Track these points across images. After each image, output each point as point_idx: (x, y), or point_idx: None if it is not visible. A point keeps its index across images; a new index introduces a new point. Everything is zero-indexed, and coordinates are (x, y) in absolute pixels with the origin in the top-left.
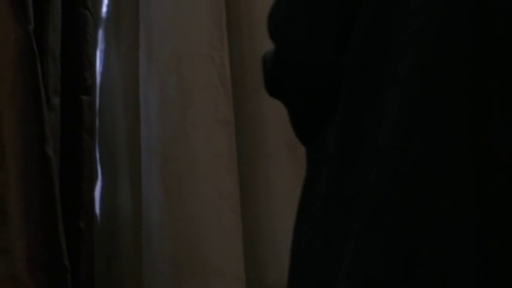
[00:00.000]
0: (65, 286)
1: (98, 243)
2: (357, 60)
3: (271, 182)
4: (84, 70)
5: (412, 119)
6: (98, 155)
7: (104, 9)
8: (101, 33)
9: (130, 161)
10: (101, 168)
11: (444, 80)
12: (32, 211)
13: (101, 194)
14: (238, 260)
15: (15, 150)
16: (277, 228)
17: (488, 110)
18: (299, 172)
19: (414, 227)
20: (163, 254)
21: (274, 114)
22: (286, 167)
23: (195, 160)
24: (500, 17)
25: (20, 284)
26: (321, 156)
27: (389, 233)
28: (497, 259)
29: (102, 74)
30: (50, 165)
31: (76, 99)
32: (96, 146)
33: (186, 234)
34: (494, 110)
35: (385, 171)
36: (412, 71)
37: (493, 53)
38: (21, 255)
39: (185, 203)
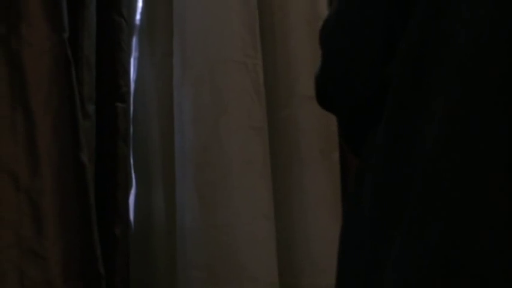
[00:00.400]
0: None
1: (133, 250)
2: (404, 69)
3: (305, 188)
4: (119, 77)
5: (455, 128)
6: (132, 162)
7: (138, 16)
8: (135, 41)
9: (164, 168)
10: (135, 175)
11: (491, 93)
12: (67, 218)
13: (135, 201)
14: (271, 266)
15: (50, 157)
16: (311, 233)
17: None
18: (332, 178)
19: (459, 235)
20: (198, 261)
21: (308, 121)
22: (319, 173)
23: (228, 167)
24: None
25: None
26: (366, 164)
27: (433, 242)
28: None
29: (136, 81)
30: (85, 173)
31: (111, 107)
32: (131, 153)
33: (220, 240)
34: None
35: (430, 180)
36: (459, 82)
37: None
38: (57, 262)
39: (219, 210)
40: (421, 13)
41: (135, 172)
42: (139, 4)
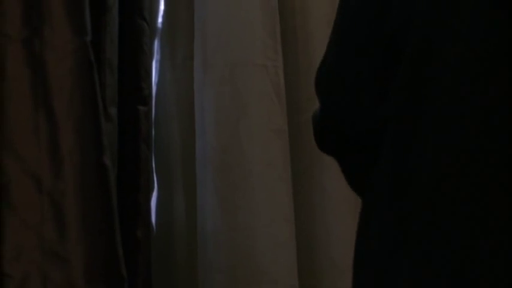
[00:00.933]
0: None
1: (154, 252)
2: (398, 109)
3: (326, 191)
4: (141, 80)
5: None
6: (153, 165)
7: (160, 19)
8: (156, 44)
9: (185, 171)
10: (157, 177)
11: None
12: (90, 220)
13: (157, 204)
14: (292, 268)
15: (73, 160)
16: (332, 236)
17: None
18: None
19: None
20: (218, 263)
21: None
22: (340, 176)
23: (249, 170)
24: None
25: None
26: (370, 201)
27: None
28: None
29: (158, 84)
30: (108, 175)
31: (133, 110)
32: (152, 155)
33: (240, 243)
34: None
35: (428, 214)
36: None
37: None
38: (79, 264)
39: (239, 213)
40: (409, 58)
41: (156, 174)
42: (161, 7)
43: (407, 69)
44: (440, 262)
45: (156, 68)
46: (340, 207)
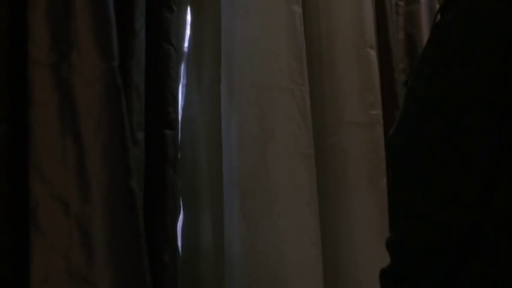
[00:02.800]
0: None
1: (181, 276)
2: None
3: (352, 214)
4: (168, 105)
5: None
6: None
7: (186, 44)
8: (183, 68)
9: (212, 194)
10: (183, 201)
11: None
12: (117, 244)
13: (183, 227)
14: None
15: (100, 184)
16: (358, 259)
17: None
18: (379, 204)
19: None
20: (245, 287)
21: (355, 147)
22: (366, 199)
23: (275, 193)
24: None
25: None
26: None
27: None
28: None
29: (184, 108)
30: (135, 199)
31: (160, 134)
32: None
33: (266, 267)
34: None
35: None
36: None
37: None
38: None
39: (266, 236)
40: None
41: (182, 198)
42: (188, 32)
43: None
44: None
45: (182, 92)
46: (366, 231)
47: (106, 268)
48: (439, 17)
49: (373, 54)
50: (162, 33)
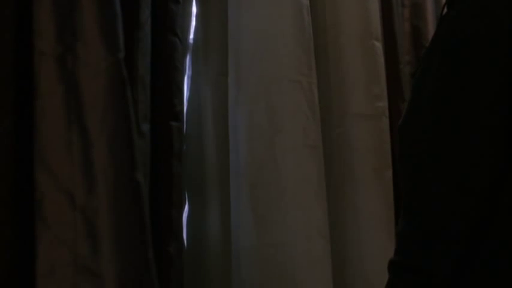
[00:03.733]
0: None
1: (187, 268)
2: None
3: (359, 206)
4: (174, 97)
5: None
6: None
7: (192, 35)
8: (188, 60)
9: (219, 187)
10: (189, 193)
11: None
12: (123, 236)
13: (188, 219)
14: (327, 285)
15: (106, 176)
16: (365, 252)
17: None
18: (386, 196)
19: None
20: (252, 280)
21: (361, 139)
22: (373, 192)
23: (283, 186)
24: None
25: None
26: None
27: None
28: None
29: (190, 100)
30: (140, 191)
31: (165, 126)
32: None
33: (275, 259)
34: None
35: None
36: None
37: None
38: (112, 280)
39: (274, 229)
40: None
41: (188, 191)
42: (193, 24)
43: None
44: None
45: (187, 84)
46: (373, 223)
47: (112, 260)
48: (445, 9)
49: (378, 46)
50: (168, 25)
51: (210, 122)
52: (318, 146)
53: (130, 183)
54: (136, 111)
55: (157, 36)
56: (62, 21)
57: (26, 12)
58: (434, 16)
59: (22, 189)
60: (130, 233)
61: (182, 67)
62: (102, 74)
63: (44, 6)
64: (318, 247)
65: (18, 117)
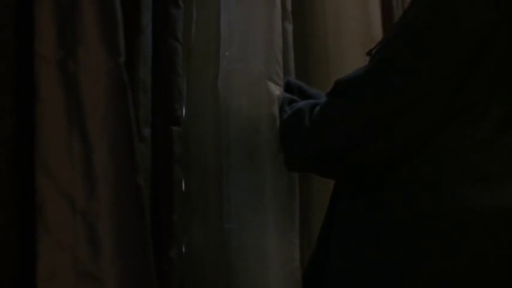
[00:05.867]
0: None
1: (186, 272)
2: None
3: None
4: (175, 101)
5: None
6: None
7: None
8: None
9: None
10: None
11: None
12: (124, 240)
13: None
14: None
15: (106, 180)
16: None
17: None
18: None
19: None
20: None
21: None
22: None
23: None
24: None
25: None
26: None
27: None
28: None
29: (187, 103)
30: (141, 196)
31: (166, 130)
32: None
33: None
34: None
35: None
36: None
37: None
38: (113, 284)
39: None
40: None
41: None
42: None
43: None
44: None
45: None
46: None
47: (113, 264)
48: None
49: None
50: (169, 30)
51: (206, 126)
52: None
53: (131, 187)
54: (137, 116)
55: (158, 40)
56: (63, 25)
57: (26, 15)
58: None
59: (23, 193)
60: (131, 237)
61: (183, 71)
62: (103, 78)
63: (45, 10)
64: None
65: (19, 121)
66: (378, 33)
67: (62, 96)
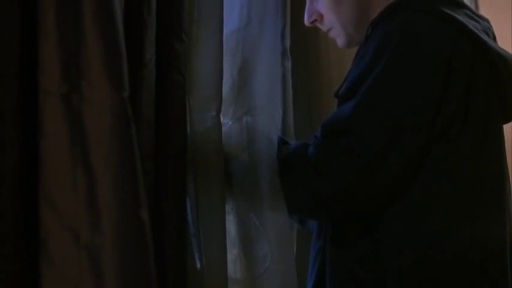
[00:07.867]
0: None
1: None
2: None
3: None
4: (177, 134)
5: None
6: None
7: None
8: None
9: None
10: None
11: None
12: (127, 274)
13: None
14: None
15: (110, 214)
16: None
17: None
18: None
19: None
20: None
21: None
22: None
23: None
24: None
25: None
26: None
27: None
28: None
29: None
30: (145, 229)
31: (169, 163)
32: None
33: None
34: None
35: None
36: None
37: None
38: None
39: None
40: None
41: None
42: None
43: None
44: None
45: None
46: None
47: None
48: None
49: None
50: (172, 64)
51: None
52: None
53: (135, 221)
54: (140, 149)
55: (162, 74)
56: (67, 58)
57: (31, 49)
58: None
59: (27, 226)
60: (135, 271)
61: (185, 105)
62: (107, 112)
63: (49, 43)
64: None
65: (23, 155)
66: None
67: (66, 130)
